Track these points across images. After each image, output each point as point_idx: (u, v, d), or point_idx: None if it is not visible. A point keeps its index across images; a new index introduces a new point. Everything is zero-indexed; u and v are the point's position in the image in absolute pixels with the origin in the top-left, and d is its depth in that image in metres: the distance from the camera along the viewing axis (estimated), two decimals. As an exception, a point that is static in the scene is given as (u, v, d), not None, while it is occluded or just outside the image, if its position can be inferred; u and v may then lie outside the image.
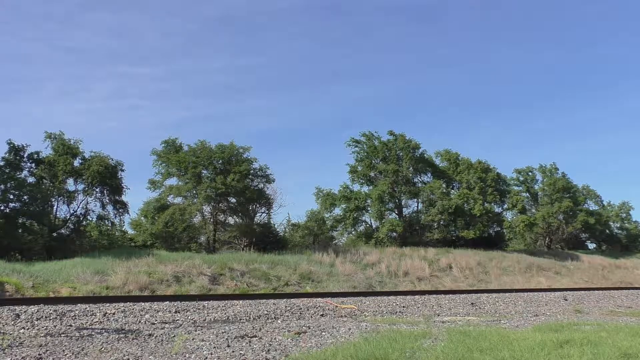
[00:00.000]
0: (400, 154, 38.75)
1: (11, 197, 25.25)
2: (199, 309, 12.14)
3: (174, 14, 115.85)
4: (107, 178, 27.76)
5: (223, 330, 9.56)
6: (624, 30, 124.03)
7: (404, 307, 14.73)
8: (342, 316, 12.80)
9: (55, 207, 27.42)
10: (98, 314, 10.72)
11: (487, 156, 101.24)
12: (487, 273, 30.95)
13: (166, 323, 10.50)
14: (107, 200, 28.88)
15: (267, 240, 31.78)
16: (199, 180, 30.61)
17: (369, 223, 38.75)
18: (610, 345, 7.61)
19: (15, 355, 7.11)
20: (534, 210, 46.38)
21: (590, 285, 30.56)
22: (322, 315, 12.75)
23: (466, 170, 40.79)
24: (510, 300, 17.68)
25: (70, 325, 9.64)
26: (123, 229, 32.71)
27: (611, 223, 51.01)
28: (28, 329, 9.19)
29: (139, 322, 10.42)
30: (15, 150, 26.40)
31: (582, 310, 16.31)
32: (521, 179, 48.44)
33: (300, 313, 12.67)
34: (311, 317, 12.46)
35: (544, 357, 6.81)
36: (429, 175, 41.18)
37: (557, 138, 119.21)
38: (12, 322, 9.52)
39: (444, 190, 38.41)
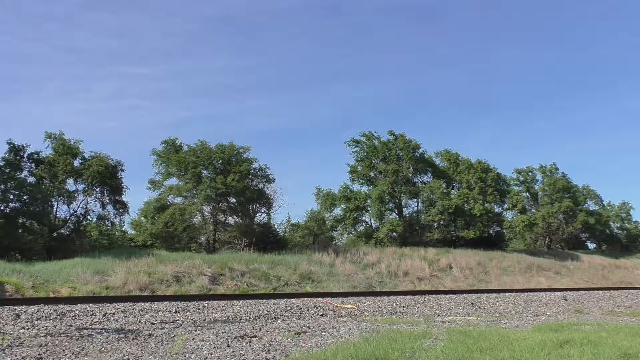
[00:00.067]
0: (400, 154, 38.75)
1: (11, 197, 25.25)
2: (199, 309, 12.14)
3: (174, 14, 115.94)
4: (107, 178, 27.76)
5: (223, 330, 9.56)
6: (624, 30, 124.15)
7: (404, 307, 14.73)
8: (342, 316, 12.79)
9: (55, 207, 27.44)
10: (98, 314, 10.72)
11: (487, 156, 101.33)
12: (487, 273, 30.95)
13: (166, 323, 10.50)
14: (107, 200, 28.88)
15: (267, 240, 31.77)
16: (199, 180, 30.61)
17: (369, 223, 38.78)
18: (610, 345, 7.61)
19: (15, 355, 7.11)
20: (534, 210, 46.38)
21: (590, 285, 30.56)
22: (322, 315, 12.75)
23: (466, 170, 40.80)
24: (510, 300, 17.67)
25: (70, 325, 9.64)
26: (123, 229, 32.75)
27: (611, 223, 51.02)
28: (28, 329, 9.19)
29: (139, 322, 10.42)
30: (15, 150, 26.40)
31: (582, 310, 16.31)
32: (521, 179, 48.45)
33: (300, 313, 12.67)
34: (311, 317, 12.46)
35: (544, 357, 6.81)
36: (429, 175, 41.19)
37: (557, 138, 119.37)
38: (12, 322, 9.52)
39: (444, 190, 38.41)
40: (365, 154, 39.26)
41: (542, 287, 27.56)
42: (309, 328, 10.15)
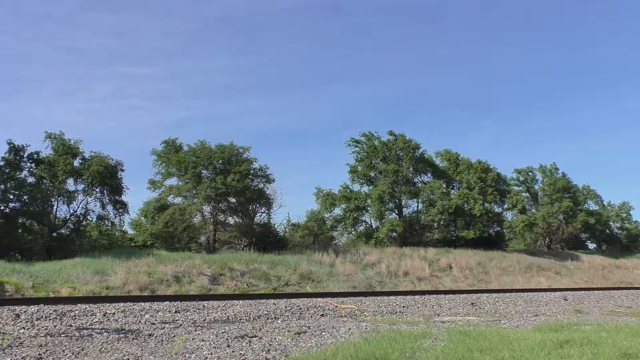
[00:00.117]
0: (400, 154, 38.75)
1: (11, 197, 25.25)
2: (199, 309, 12.14)
3: (174, 14, 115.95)
4: (107, 178, 27.76)
5: (223, 330, 9.56)
6: (624, 30, 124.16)
7: (404, 307, 14.73)
8: (342, 316, 12.79)
9: (55, 207, 27.44)
10: (98, 314, 10.72)
11: (487, 156, 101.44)
12: (487, 273, 30.95)
13: (166, 323, 10.50)
14: (107, 200, 28.88)
15: (267, 240, 31.77)
16: (199, 180, 30.61)
17: (369, 223, 38.77)
18: (610, 345, 7.61)
19: (15, 355, 7.11)
20: (534, 210, 46.38)
21: (590, 285, 30.56)
22: (322, 315, 12.75)
23: (466, 170, 40.80)
24: (510, 300, 17.67)
25: (70, 325, 9.64)
26: (123, 229, 32.76)
27: (611, 223, 51.02)
28: (28, 329, 9.19)
29: (139, 322, 10.42)
30: (15, 150, 26.40)
31: (582, 310, 16.31)
32: (521, 179, 48.45)
33: (300, 313, 12.67)
34: (311, 317, 12.45)
35: (544, 357, 6.81)
36: (429, 175, 41.19)
37: (557, 138, 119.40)
38: (12, 322, 9.52)
39: (444, 190, 38.41)
40: (365, 154, 39.26)
41: (542, 287, 27.56)
42: (309, 328, 10.15)
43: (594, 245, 51.84)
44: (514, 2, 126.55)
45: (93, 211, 28.69)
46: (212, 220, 32.17)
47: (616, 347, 7.37)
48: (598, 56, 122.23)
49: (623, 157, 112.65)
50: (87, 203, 28.32)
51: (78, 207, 28.19)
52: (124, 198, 29.45)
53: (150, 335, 9.03)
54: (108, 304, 11.97)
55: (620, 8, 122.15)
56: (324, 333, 9.49)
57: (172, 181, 32.55)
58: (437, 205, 37.12)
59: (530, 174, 48.73)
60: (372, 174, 38.99)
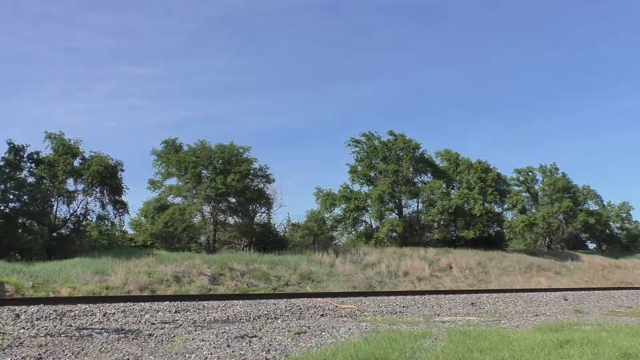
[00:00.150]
0: (400, 154, 38.75)
1: (11, 197, 25.25)
2: (199, 309, 12.14)
3: (174, 14, 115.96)
4: (107, 178, 27.76)
5: (223, 330, 9.56)
6: (624, 30, 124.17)
7: (404, 307, 14.72)
8: (342, 316, 12.79)
9: (55, 207, 27.44)
10: (98, 314, 10.72)
11: (487, 156, 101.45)
12: (487, 273, 30.94)
13: (166, 323, 10.50)
14: (107, 200, 28.88)
15: (267, 240, 31.77)
16: (199, 180, 30.61)
17: (369, 223, 38.77)
18: (610, 345, 7.61)
19: (15, 355, 7.11)
20: (534, 210, 46.38)
21: (590, 285, 30.56)
22: (322, 315, 12.75)
23: (466, 170, 40.80)
24: (510, 300, 17.67)
25: (70, 325, 9.64)
26: (123, 229, 32.76)
27: (611, 223, 51.02)
28: (28, 329, 9.19)
29: (139, 322, 10.42)
30: (15, 150, 26.40)
31: (582, 310, 16.31)
32: (521, 179, 48.45)
33: (300, 313, 12.67)
34: (311, 317, 12.45)
35: (544, 357, 6.80)
36: (429, 175, 41.19)
37: (557, 138, 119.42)
38: (12, 322, 9.52)
39: (444, 190, 38.41)
40: (365, 154, 39.26)
41: (542, 287, 27.56)
42: (309, 328, 10.14)
43: (594, 245, 51.85)
44: (514, 2, 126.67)
45: (93, 211, 28.74)
46: (212, 220, 32.17)
47: (616, 347, 7.37)
48: (598, 56, 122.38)
49: (623, 157, 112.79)
50: (87, 203, 28.37)
51: (78, 207, 28.23)
52: (124, 198, 29.50)
53: (150, 335, 9.03)
54: (108, 304, 11.97)
55: (620, 8, 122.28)
56: (324, 333, 9.49)
57: (172, 181, 32.59)
58: (437, 205, 37.12)
59: (530, 174, 48.74)
60: (372, 174, 38.99)
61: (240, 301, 13.70)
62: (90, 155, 28.39)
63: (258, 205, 32.89)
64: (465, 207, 37.94)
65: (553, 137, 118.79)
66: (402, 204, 39.14)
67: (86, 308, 11.14)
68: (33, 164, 27.17)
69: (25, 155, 26.82)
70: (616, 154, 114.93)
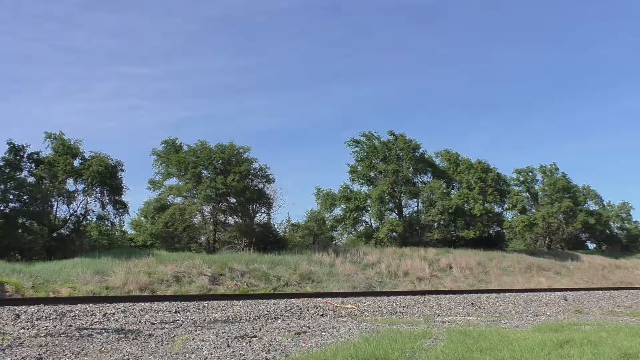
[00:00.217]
0: (400, 154, 38.76)
1: (11, 197, 25.25)
2: (199, 309, 12.14)
3: (174, 14, 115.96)
4: (107, 178, 27.76)
5: (223, 330, 9.56)
6: (624, 30, 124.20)
7: (404, 307, 14.72)
8: (342, 316, 12.79)
9: (55, 207, 27.44)
10: (98, 314, 10.72)
11: (487, 156, 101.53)
12: (487, 273, 30.94)
13: (166, 323, 10.50)
14: (107, 200, 28.89)
15: (267, 240, 31.78)
16: (199, 180, 30.61)
17: (369, 223, 38.77)
18: (610, 345, 7.61)
19: (15, 355, 7.11)
20: (534, 210, 46.38)
21: (590, 285, 30.55)
22: (322, 315, 12.75)
23: (466, 170, 40.81)
24: (510, 300, 17.67)
25: (70, 325, 9.63)
26: (123, 229, 32.77)
27: (611, 223, 51.01)
28: (28, 329, 9.19)
29: (139, 322, 10.42)
30: (15, 150, 26.40)
31: (582, 310, 16.31)
32: (521, 179, 48.45)
33: (300, 313, 12.67)
34: (311, 317, 12.45)
35: (544, 357, 6.81)
36: (429, 175, 41.20)
37: (557, 138, 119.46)
38: (12, 322, 9.52)
39: (444, 190, 38.41)
40: (365, 154, 39.26)
41: (542, 287, 27.56)
42: (309, 328, 10.14)
43: (594, 245, 51.85)
44: (514, 2, 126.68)
45: (93, 211, 28.75)
46: (212, 220, 32.17)
47: (616, 347, 7.37)
48: (598, 56, 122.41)
49: (623, 157, 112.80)
50: (87, 203, 28.37)
51: (78, 207, 28.23)
52: (124, 198, 29.51)
53: (150, 335, 9.03)
54: (108, 304, 11.97)
55: (620, 8, 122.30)
56: (324, 333, 9.49)
57: (172, 181, 32.59)
58: (437, 205, 37.12)
59: (530, 174, 48.74)
60: (372, 174, 38.99)
61: (240, 301, 13.70)
62: (90, 155, 28.42)
63: (258, 205, 32.90)
64: (465, 207, 37.94)
65: (553, 137, 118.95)
66: (402, 204, 39.16)
67: (86, 308, 11.14)
68: (33, 164, 27.17)
69: (25, 155, 26.83)
70: (616, 154, 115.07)
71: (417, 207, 39.74)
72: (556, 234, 47.30)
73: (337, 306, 13.75)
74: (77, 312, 10.72)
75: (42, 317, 10.04)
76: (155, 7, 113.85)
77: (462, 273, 30.20)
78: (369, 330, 9.83)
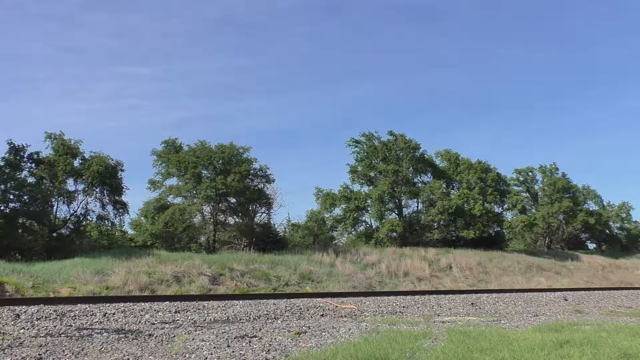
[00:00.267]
0: (400, 154, 38.77)
1: (11, 197, 25.26)
2: (199, 309, 12.14)
3: (174, 14, 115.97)
4: (107, 178, 27.77)
5: (223, 331, 9.56)
6: (624, 30, 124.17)
7: (404, 307, 14.72)
8: (342, 316, 12.79)
9: (55, 207, 27.47)
10: (98, 314, 10.72)
11: (487, 156, 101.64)
12: (487, 273, 30.94)
13: (166, 323, 10.50)
14: (107, 200, 28.90)
15: (267, 240, 31.79)
16: (199, 180, 30.61)
17: (369, 223, 38.80)
18: (610, 345, 7.61)
19: (15, 355, 7.11)
20: (534, 211, 46.39)
21: (590, 286, 30.54)
22: (322, 315, 12.75)
23: (466, 170, 40.82)
24: (510, 300, 17.66)
25: (70, 326, 9.63)
26: (123, 229, 32.79)
27: (611, 223, 51.02)
28: (28, 329, 9.18)
29: (139, 322, 10.42)
30: (15, 150, 26.41)
31: (582, 310, 16.31)
32: (521, 179, 48.48)
33: (300, 313, 12.67)
34: (311, 317, 12.45)
35: (544, 357, 6.80)
36: (429, 175, 41.22)
37: (557, 138, 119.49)
38: (12, 322, 9.52)
39: (444, 190, 38.43)
40: (365, 154, 39.28)
41: (542, 287, 27.55)
42: (309, 328, 10.14)
43: (594, 245, 51.86)
44: (514, 2, 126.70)
45: (93, 211, 28.79)
46: (212, 220, 32.18)
47: (616, 347, 7.37)
48: (598, 56, 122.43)
49: (623, 157, 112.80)
50: (87, 203, 28.40)
51: (78, 207, 28.25)
52: (124, 198, 29.54)
53: (150, 335, 9.02)
54: (108, 304, 11.97)
55: (620, 8, 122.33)
56: (324, 333, 9.49)
57: (172, 181, 32.62)
58: (437, 205, 37.14)
59: (530, 174, 48.77)
60: (372, 174, 39.01)
61: (240, 301, 13.70)
62: (90, 155, 28.44)
63: (258, 205, 32.92)
64: (465, 207, 37.95)
65: (553, 137, 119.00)
66: (402, 204, 39.19)
67: (86, 308, 11.14)
68: (33, 164, 27.18)
69: (25, 156, 26.84)
70: (616, 154, 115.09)
71: (417, 207, 39.80)
72: (556, 234, 47.31)
73: (337, 306, 13.75)
74: (77, 312, 10.71)
75: (42, 317, 10.04)
76: (155, 7, 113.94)
77: (462, 273, 30.20)
78: (369, 330, 9.83)
